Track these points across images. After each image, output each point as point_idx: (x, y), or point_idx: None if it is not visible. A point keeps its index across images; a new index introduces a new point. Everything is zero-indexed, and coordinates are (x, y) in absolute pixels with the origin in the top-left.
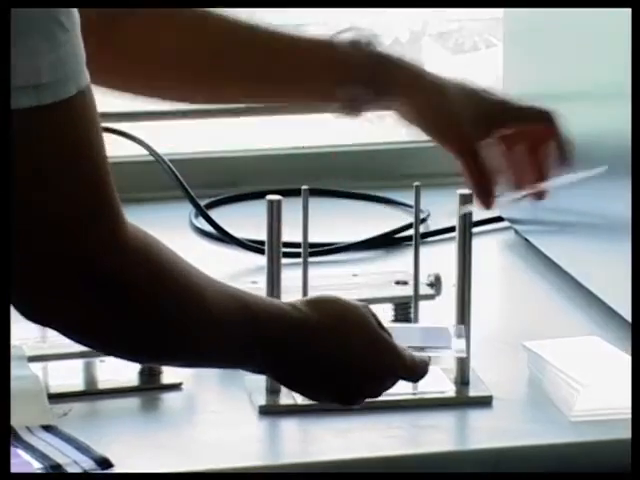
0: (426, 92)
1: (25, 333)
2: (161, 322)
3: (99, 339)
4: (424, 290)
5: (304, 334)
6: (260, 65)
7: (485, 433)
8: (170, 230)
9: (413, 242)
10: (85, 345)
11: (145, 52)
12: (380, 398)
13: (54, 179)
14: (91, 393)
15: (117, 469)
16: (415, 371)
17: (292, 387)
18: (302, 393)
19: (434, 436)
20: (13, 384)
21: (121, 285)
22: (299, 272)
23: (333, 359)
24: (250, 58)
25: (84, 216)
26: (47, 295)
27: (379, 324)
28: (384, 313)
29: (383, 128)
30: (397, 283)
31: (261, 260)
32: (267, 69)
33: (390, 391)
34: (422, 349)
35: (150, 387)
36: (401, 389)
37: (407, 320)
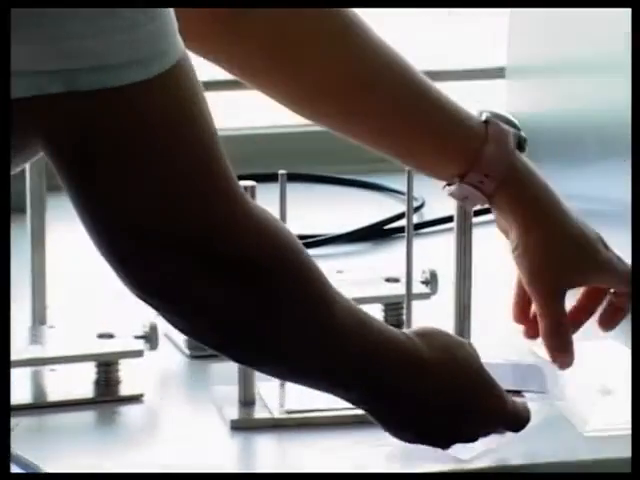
0: (544, 233)
1: None
2: (281, 307)
3: (219, 326)
4: (418, 288)
5: (417, 367)
6: (396, 118)
7: (486, 454)
8: None
9: (405, 234)
10: (195, 334)
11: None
12: None
13: (164, 157)
14: (40, 406)
15: None
16: (519, 418)
17: (391, 424)
18: (399, 430)
19: (429, 453)
20: None
21: (244, 265)
22: None
23: (443, 398)
24: (387, 104)
25: (200, 191)
26: (168, 276)
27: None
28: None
29: None
30: (387, 280)
31: None
32: (403, 126)
33: None
34: (518, 393)
35: (107, 399)
36: None
37: (398, 322)
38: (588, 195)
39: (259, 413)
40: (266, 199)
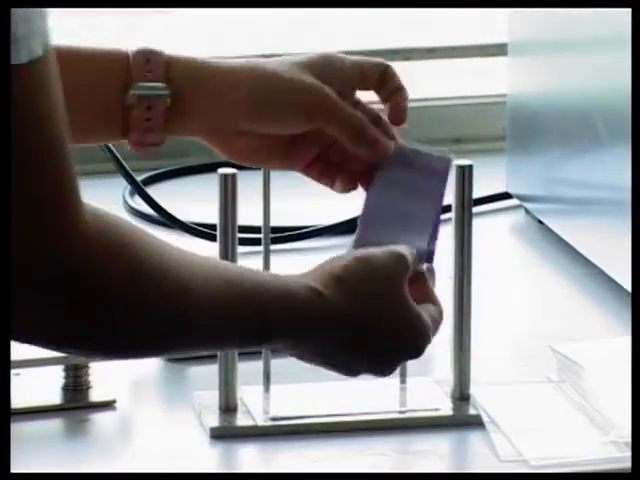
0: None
1: None
2: (145, 326)
3: (85, 347)
4: None
5: (327, 327)
6: None
7: (489, 460)
8: None
9: None
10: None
11: None
12: (361, 418)
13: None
14: None
15: None
16: (436, 330)
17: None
18: (337, 365)
19: (426, 464)
20: None
21: (84, 288)
22: (259, 262)
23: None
24: None
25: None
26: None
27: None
28: None
29: None
30: None
31: (212, 248)
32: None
33: (372, 409)
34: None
35: (76, 406)
36: (385, 406)
37: None
38: (594, 181)
39: (241, 420)
40: (248, 188)
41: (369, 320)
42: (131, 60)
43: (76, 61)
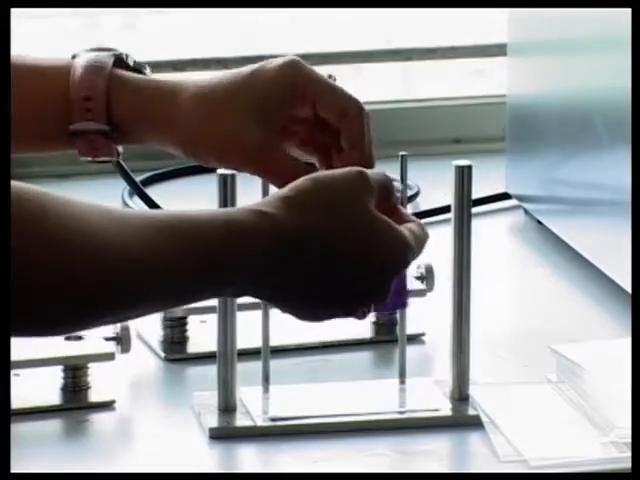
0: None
1: None
2: (84, 297)
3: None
4: (412, 285)
5: (282, 249)
6: None
7: (488, 461)
8: None
9: None
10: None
11: None
12: (360, 418)
13: None
14: None
15: None
16: (420, 247)
17: (285, 310)
18: (302, 313)
19: (425, 464)
20: None
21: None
22: None
23: (330, 267)
24: None
25: None
26: None
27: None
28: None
29: (361, 83)
30: None
31: None
32: None
33: (372, 410)
34: None
35: (75, 406)
36: (385, 407)
37: (392, 323)
38: (594, 182)
39: (241, 421)
40: (247, 188)
41: (331, 237)
42: (71, 93)
43: (21, 75)
